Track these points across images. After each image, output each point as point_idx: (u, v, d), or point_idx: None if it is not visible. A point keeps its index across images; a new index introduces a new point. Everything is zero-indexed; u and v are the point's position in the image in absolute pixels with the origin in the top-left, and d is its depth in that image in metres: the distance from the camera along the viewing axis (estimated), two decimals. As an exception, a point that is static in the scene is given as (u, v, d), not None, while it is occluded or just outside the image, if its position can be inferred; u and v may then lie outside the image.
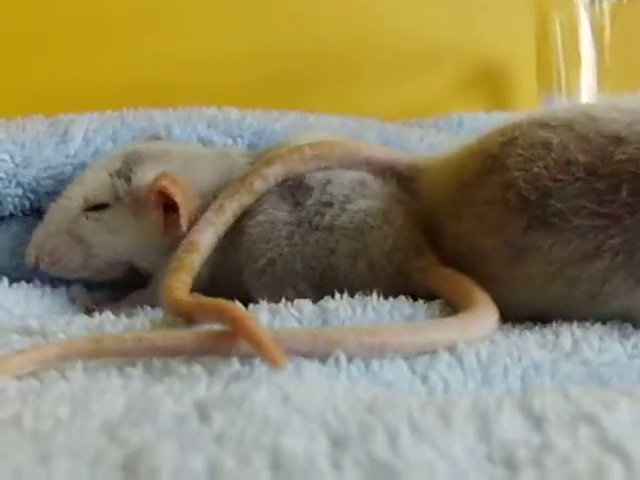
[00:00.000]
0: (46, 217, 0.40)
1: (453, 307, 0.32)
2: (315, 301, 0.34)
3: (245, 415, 0.18)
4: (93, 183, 0.40)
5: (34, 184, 0.43)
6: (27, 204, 0.44)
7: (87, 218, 0.40)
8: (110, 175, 0.40)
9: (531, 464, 0.14)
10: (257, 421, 0.18)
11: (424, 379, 0.25)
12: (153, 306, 0.35)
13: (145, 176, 0.40)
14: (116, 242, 0.40)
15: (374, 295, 0.34)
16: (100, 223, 0.40)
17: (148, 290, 0.42)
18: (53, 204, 0.41)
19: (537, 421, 0.17)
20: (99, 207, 0.40)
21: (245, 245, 0.38)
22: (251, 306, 0.33)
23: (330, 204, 0.38)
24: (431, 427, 0.17)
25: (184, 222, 0.39)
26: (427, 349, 0.26)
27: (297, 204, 0.39)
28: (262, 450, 0.16)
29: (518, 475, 0.14)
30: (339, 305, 0.34)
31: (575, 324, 0.31)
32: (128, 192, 0.40)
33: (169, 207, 0.39)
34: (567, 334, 0.29)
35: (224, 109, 0.50)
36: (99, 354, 0.24)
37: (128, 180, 0.40)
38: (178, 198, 0.38)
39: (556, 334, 0.29)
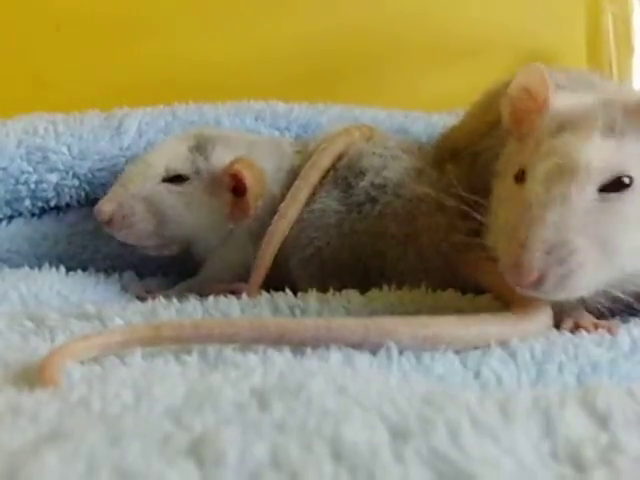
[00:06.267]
0: (124, 177, 0.41)
1: (503, 303, 0.32)
2: (363, 292, 0.34)
3: (303, 404, 0.18)
4: (174, 154, 0.41)
5: (89, 176, 0.44)
6: (83, 195, 0.45)
7: (168, 191, 0.41)
8: (190, 150, 0.41)
9: (600, 464, 0.14)
10: (316, 411, 0.18)
11: (476, 374, 0.25)
12: (202, 295, 0.36)
13: (221, 157, 0.41)
14: (189, 217, 0.41)
15: (422, 287, 0.34)
16: (179, 196, 0.41)
17: (198, 278, 0.43)
18: (130, 166, 0.41)
19: (602, 419, 0.16)
20: (178, 180, 0.41)
21: (294, 232, 0.38)
22: (300, 294, 0.34)
23: (383, 187, 0.38)
24: (492, 422, 0.17)
25: (252, 207, 0.39)
26: (480, 343, 0.26)
27: (349, 187, 0.38)
28: (324, 440, 0.16)
29: (588, 475, 0.14)
30: (387, 296, 0.34)
31: (632, 323, 0.30)
32: (207, 170, 0.41)
33: (239, 191, 0.40)
34: (624, 333, 0.28)
35: (271, 103, 0.50)
36: (158, 341, 0.24)
37: (206, 158, 0.41)
38: (249, 183, 0.39)
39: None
